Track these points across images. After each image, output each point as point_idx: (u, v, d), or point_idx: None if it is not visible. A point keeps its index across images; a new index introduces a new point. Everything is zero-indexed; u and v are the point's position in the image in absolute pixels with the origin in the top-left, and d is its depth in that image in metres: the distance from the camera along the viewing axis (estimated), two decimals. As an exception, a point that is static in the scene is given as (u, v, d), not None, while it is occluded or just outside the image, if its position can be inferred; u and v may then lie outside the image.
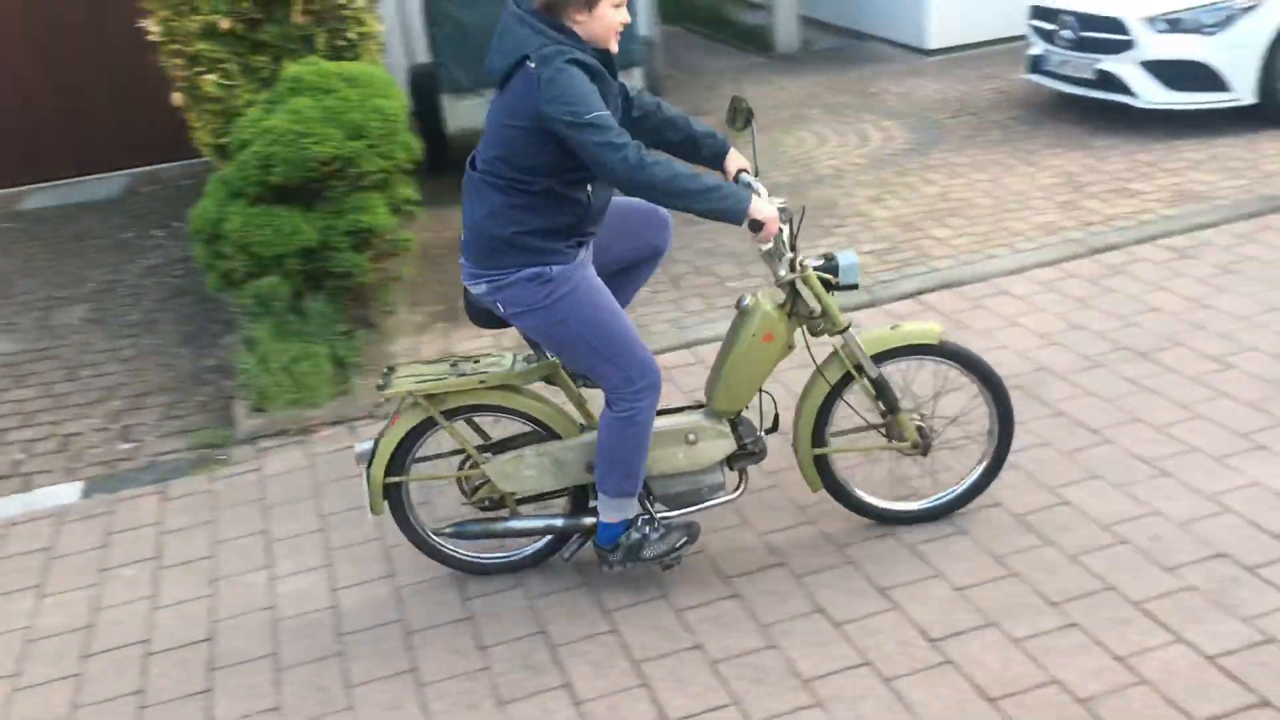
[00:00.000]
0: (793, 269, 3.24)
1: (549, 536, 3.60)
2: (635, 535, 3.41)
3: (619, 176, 2.90)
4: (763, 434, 3.49)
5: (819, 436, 3.48)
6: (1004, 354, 4.64)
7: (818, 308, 3.29)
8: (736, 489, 3.51)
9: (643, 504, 3.44)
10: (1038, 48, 7.78)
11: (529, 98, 2.91)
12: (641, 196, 2.98)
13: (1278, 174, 6.15)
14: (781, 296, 3.36)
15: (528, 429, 3.49)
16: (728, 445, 3.42)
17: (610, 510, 3.37)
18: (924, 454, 3.53)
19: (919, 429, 3.49)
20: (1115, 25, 7.04)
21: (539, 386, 3.48)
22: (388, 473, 3.42)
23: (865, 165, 7.25)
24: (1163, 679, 2.88)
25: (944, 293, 5.30)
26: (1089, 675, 2.93)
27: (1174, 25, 6.84)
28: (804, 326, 3.35)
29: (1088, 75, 7.29)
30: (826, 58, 10.56)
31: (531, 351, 3.40)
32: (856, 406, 3.53)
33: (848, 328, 3.34)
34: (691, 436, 3.40)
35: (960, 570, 3.39)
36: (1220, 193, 6.01)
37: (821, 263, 3.29)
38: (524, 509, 3.57)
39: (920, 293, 5.32)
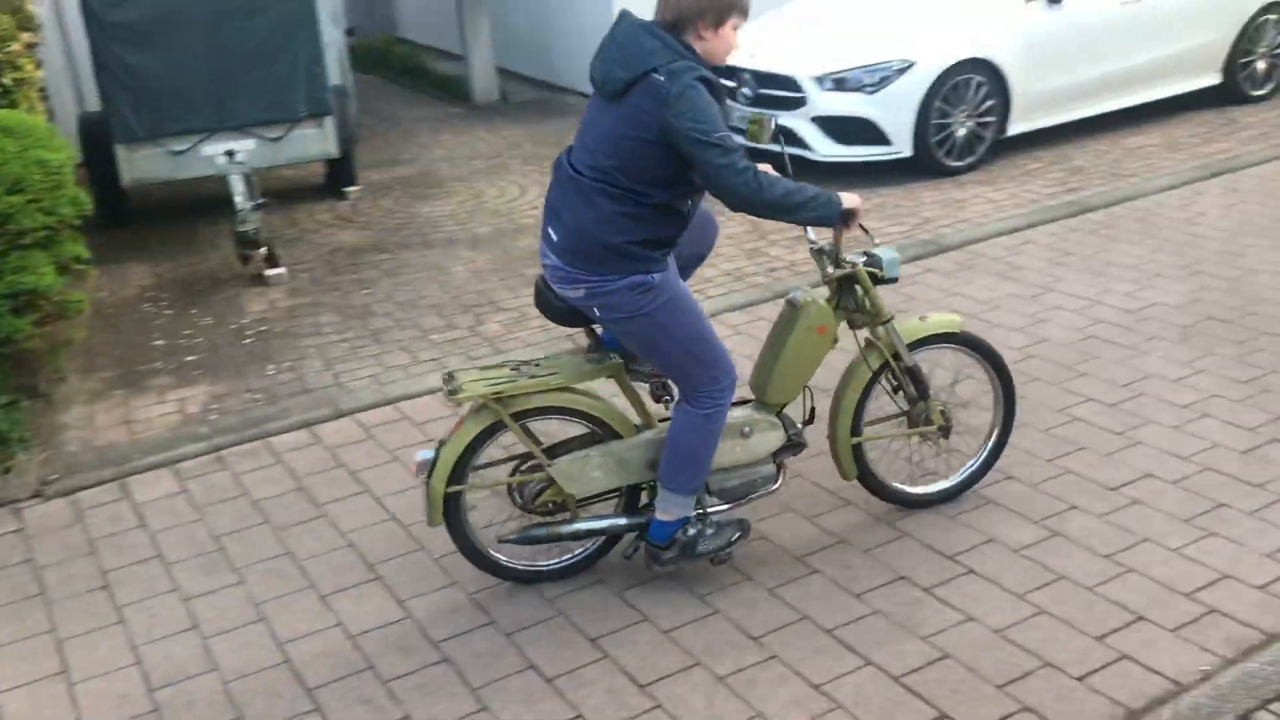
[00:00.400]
0: (838, 264, 3.44)
1: (600, 540, 3.59)
2: (691, 531, 3.44)
3: (738, 197, 3.02)
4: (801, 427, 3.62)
5: (855, 425, 3.64)
6: (701, 397, 4.81)
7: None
8: (776, 481, 3.59)
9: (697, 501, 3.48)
10: (721, 103, 8.19)
11: (654, 110, 2.99)
12: (755, 214, 3.10)
13: (934, 220, 6.74)
14: (827, 292, 3.53)
15: (582, 431, 3.49)
16: (779, 437, 3.54)
17: (671, 507, 3.40)
18: (946, 437, 3.78)
19: (941, 412, 3.72)
20: (789, 83, 7.53)
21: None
22: (447, 483, 3.34)
23: (565, 215, 7.37)
24: (856, 703, 3.04)
25: (643, 339, 5.44)
26: (790, 705, 3.04)
27: (839, 84, 7.39)
28: (847, 319, 3.56)
29: (767, 129, 7.74)
30: (525, 109, 10.70)
31: (593, 353, 3.44)
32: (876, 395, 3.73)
33: (891, 319, 3.55)
34: (746, 429, 3.49)
35: (666, 613, 3.46)
36: (886, 238, 6.51)
37: (865, 259, 3.48)
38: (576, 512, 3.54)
39: (621, 340, 5.43)
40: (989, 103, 7.54)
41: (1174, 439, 4.18)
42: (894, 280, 3.52)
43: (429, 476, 3.36)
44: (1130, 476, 3.97)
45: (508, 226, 7.22)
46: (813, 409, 3.64)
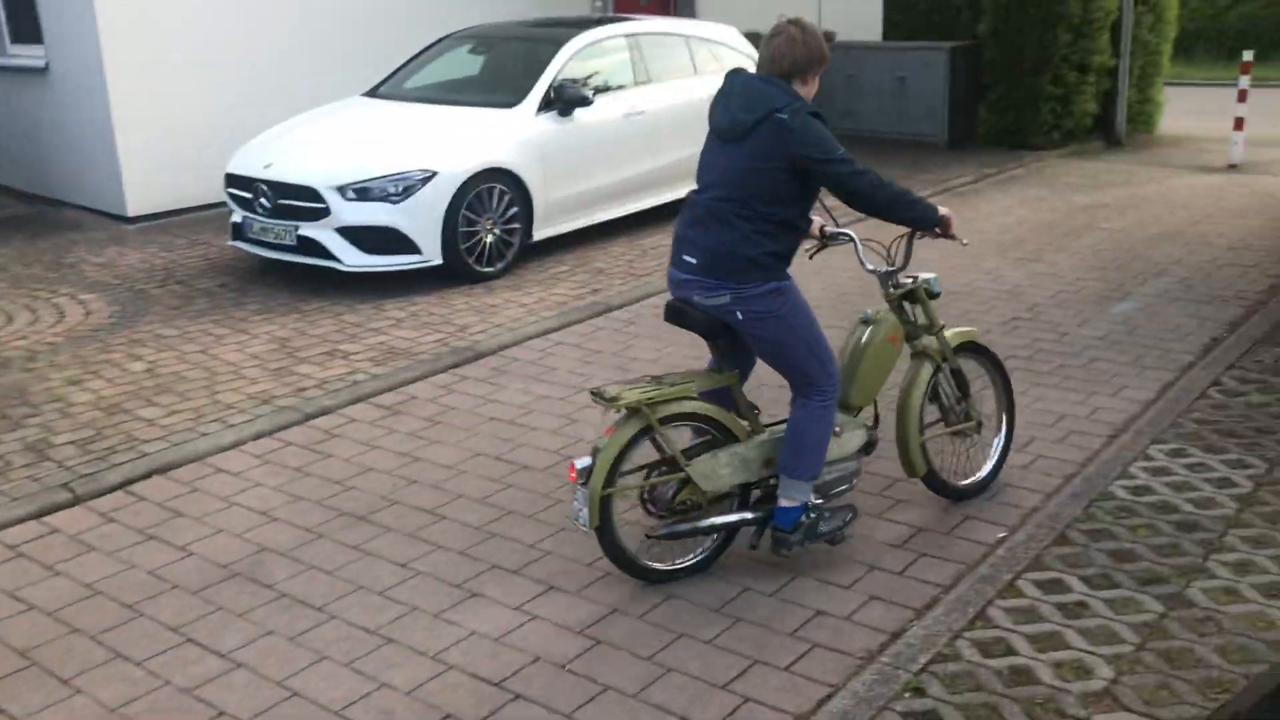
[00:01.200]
0: (895, 285, 4.16)
1: (718, 541, 3.99)
2: (812, 515, 3.91)
3: (867, 195, 3.70)
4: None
5: (921, 424, 4.20)
6: (222, 539, 4.36)
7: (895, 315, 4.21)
8: (858, 476, 4.15)
9: None
10: (238, 215, 7.78)
11: (781, 143, 3.61)
12: (874, 211, 3.75)
13: (468, 326, 6.73)
14: (889, 308, 4.20)
15: (700, 439, 3.91)
16: (863, 435, 4.10)
17: (795, 493, 3.87)
18: (979, 433, 4.46)
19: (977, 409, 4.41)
20: (310, 194, 7.28)
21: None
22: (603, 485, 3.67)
23: (62, 344, 6.58)
24: None
25: (157, 479, 4.89)
26: None
27: (363, 194, 7.25)
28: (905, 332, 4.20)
29: (290, 241, 7.42)
30: (12, 226, 9.57)
31: (714, 367, 4.00)
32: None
33: (943, 327, 4.26)
34: (838, 429, 3.97)
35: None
36: (422, 348, 6.40)
37: (914, 280, 4.18)
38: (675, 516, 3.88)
39: (128, 483, 4.84)
40: (513, 210, 7.73)
41: (701, 529, 4.35)
42: (938, 295, 4.21)
43: (587, 481, 3.66)
44: (668, 591, 4.05)
45: (-10, 361, 6.31)
46: (877, 414, 4.24)
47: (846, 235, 4.11)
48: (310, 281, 7.60)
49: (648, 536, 3.90)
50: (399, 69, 9.09)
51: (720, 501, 3.94)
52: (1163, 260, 7.91)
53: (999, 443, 4.60)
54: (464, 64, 9.00)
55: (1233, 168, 11.20)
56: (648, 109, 8.73)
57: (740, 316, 3.74)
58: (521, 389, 5.82)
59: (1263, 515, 4.21)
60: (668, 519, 3.86)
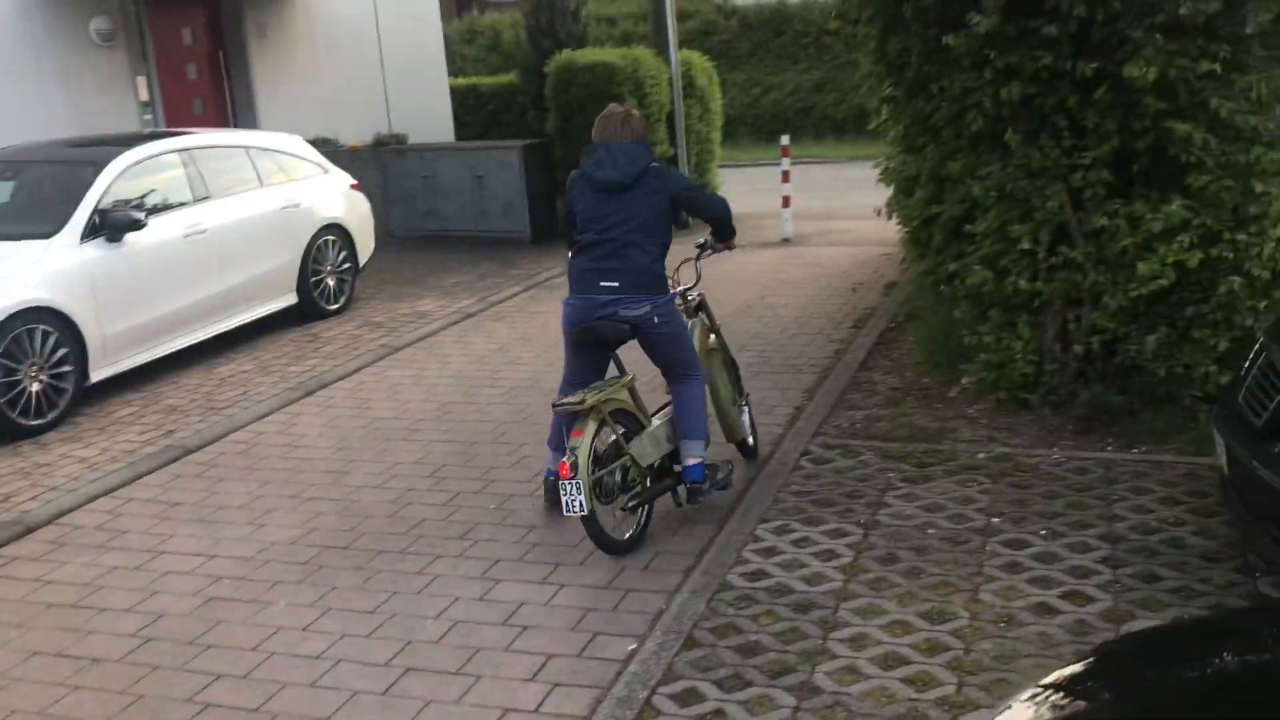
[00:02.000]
0: (689, 298, 5.40)
1: (646, 515, 4.94)
2: (709, 469, 5.03)
3: (723, 211, 5.25)
4: None
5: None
6: None
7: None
8: None
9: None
10: None
11: (662, 185, 4.94)
12: (719, 222, 5.28)
13: (15, 494, 5.78)
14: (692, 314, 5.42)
15: (618, 432, 4.83)
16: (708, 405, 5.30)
17: (698, 450, 5.01)
18: (749, 404, 5.81)
19: None
20: None
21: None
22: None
23: None
24: None
25: None
26: None
27: None
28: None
29: None
30: None
31: (616, 372, 5.11)
32: None
33: (719, 327, 5.65)
34: None
35: None
36: (-44, 528, 5.42)
37: (698, 295, 5.48)
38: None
39: None
40: (62, 351, 6.85)
41: (312, 700, 3.88)
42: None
43: (575, 474, 4.38)
44: (276, 763, 3.56)
45: None
46: None
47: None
48: None
49: (622, 509, 4.77)
50: (-96, 202, 7.87)
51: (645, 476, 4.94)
52: (741, 335, 8.31)
53: (747, 411, 5.88)
54: (-13, 192, 7.96)
55: (786, 241, 12.18)
56: (210, 226, 8.12)
57: (656, 320, 4.88)
58: (87, 562, 5.05)
59: (867, 584, 4.38)
60: (623, 496, 4.76)
